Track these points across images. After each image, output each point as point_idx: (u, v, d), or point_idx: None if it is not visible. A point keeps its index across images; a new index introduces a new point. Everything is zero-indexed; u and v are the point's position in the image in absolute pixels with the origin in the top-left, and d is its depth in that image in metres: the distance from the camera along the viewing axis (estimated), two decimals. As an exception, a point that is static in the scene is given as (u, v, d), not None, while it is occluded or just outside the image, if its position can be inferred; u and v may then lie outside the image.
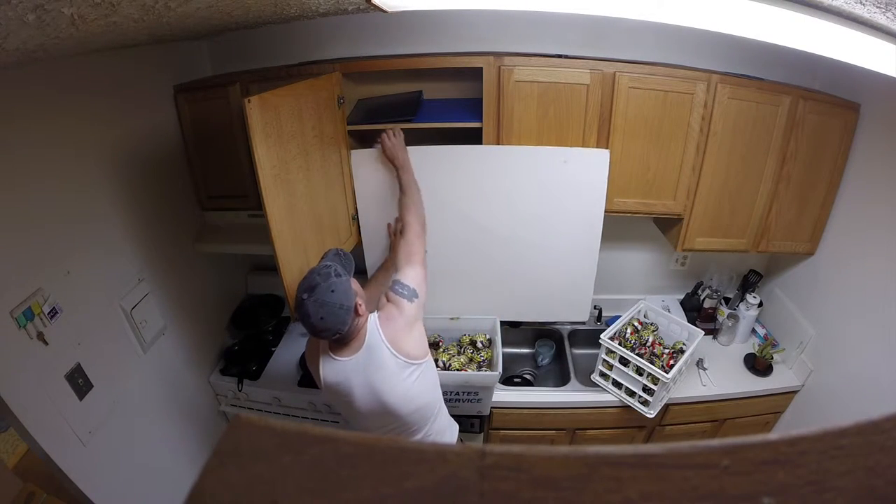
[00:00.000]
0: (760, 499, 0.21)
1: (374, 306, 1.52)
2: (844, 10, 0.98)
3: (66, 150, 1.48)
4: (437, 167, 1.90)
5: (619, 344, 2.00)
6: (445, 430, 1.67)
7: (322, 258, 1.50)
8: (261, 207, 1.33)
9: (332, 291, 1.31)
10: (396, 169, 1.80)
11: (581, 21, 1.83)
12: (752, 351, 2.26)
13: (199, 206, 2.11)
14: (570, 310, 2.17)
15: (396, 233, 2.00)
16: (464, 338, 2.19)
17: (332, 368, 1.43)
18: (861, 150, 1.85)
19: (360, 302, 1.37)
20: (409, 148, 1.85)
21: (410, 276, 1.50)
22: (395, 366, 1.40)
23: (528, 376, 2.37)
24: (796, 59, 1.76)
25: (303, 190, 1.54)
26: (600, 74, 1.73)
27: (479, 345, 2.15)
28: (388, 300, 1.47)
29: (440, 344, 2.19)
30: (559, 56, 1.77)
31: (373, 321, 1.42)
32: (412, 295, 1.46)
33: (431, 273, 2.06)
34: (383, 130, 1.80)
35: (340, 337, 1.37)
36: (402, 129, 1.82)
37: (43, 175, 1.41)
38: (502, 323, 2.19)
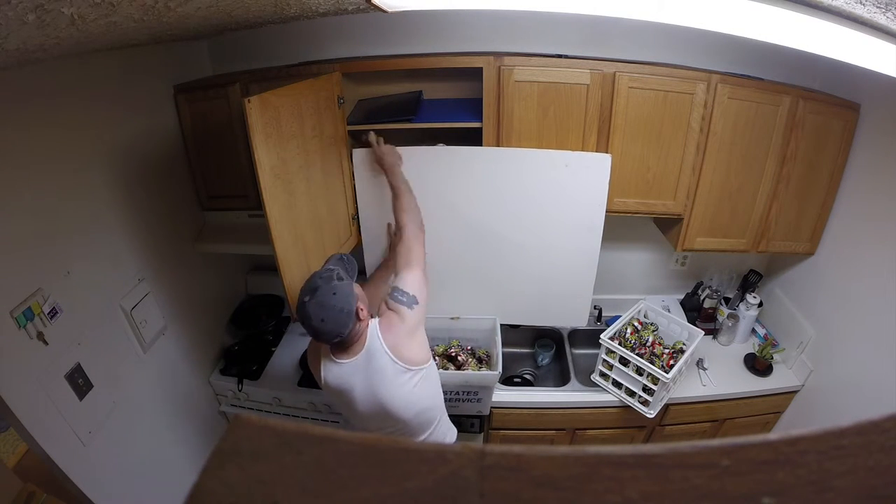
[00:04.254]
0: (760, 499, 0.21)
1: (376, 307, 1.52)
2: (844, 10, 0.98)
3: (65, 150, 1.48)
4: (438, 168, 1.90)
5: (619, 344, 2.00)
6: (446, 435, 1.67)
7: (325, 262, 1.50)
8: (261, 207, 1.33)
9: (334, 294, 1.31)
10: (384, 172, 1.77)
11: (581, 21, 1.83)
12: (752, 351, 2.26)
13: (199, 206, 2.11)
14: (569, 315, 2.16)
15: (397, 233, 2.00)
16: (454, 341, 2.20)
17: (333, 371, 1.43)
18: (861, 150, 1.85)
19: (361, 307, 1.37)
20: (410, 148, 1.84)
21: (409, 281, 1.48)
22: (395, 372, 1.40)
23: (528, 376, 2.37)
24: (796, 59, 1.75)
25: (303, 190, 1.54)
26: (600, 74, 1.73)
27: (481, 357, 2.15)
28: (388, 307, 1.46)
29: (458, 357, 2.14)
30: (559, 56, 1.77)
31: (373, 327, 1.42)
32: (412, 302, 1.45)
33: (433, 273, 2.06)
34: (370, 132, 1.79)
35: (341, 341, 1.37)
36: (402, 129, 1.82)
37: (43, 175, 1.41)
38: (502, 325, 2.19)
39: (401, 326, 1.42)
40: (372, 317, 1.46)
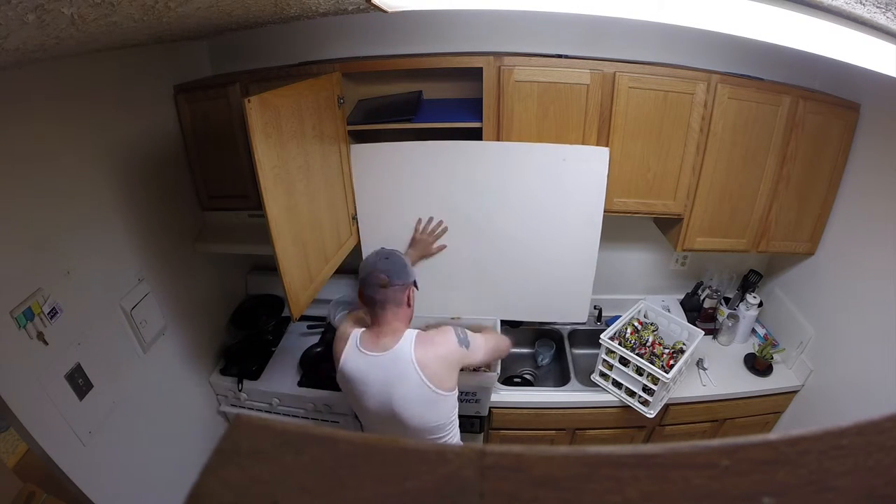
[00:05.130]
0: (760, 499, 0.21)
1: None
2: (844, 10, 0.99)
3: (65, 150, 1.48)
4: (435, 163, 1.90)
5: (619, 344, 2.00)
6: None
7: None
8: (261, 207, 1.33)
9: (402, 258, 1.48)
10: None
11: (581, 21, 1.83)
12: (752, 351, 2.26)
13: (199, 206, 2.11)
14: (569, 311, 2.17)
15: (420, 231, 2.00)
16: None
17: (354, 359, 1.43)
18: (861, 150, 1.85)
19: (412, 295, 1.48)
20: (407, 144, 1.84)
21: (474, 337, 1.50)
22: (415, 384, 1.39)
23: (528, 376, 2.37)
24: (796, 59, 1.76)
25: (303, 190, 1.54)
26: (600, 74, 1.73)
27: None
28: (440, 328, 1.47)
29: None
30: (559, 56, 1.77)
31: (410, 335, 1.42)
32: (465, 342, 1.45)
33: (431, 271, 2.07)
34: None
35: (379, 304, 1.41)
36: (401, 129, 1.82)
37: (43, 175, 1.40)
38: (502, 323, 2.19)
39: (440, 347, 1.42)
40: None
